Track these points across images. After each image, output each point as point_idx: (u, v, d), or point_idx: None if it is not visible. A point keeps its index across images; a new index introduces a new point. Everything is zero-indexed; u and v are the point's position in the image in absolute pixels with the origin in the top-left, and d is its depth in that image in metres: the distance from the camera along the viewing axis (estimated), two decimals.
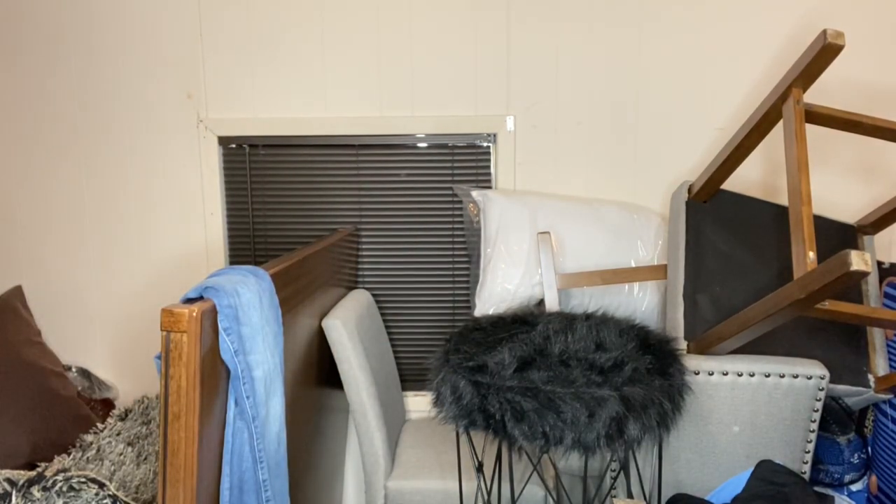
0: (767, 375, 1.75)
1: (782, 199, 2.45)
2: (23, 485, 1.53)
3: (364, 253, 2.55)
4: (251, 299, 1.41)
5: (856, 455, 1.98)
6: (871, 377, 1.92)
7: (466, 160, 2.48)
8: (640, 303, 2.28)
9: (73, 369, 2.52)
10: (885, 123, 1.80)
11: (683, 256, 2.00)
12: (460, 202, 2.51)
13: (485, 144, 2.47)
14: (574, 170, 2.46)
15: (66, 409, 2.22)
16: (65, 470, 1.58)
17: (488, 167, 2.48)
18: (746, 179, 2.45)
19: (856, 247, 2.11)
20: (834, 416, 1.99)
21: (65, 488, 1.53)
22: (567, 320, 1.93)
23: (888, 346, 1.98)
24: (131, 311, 2.57)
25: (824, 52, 1.65)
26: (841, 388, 1.89)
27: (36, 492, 1.52)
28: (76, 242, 2.54)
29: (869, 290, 2.05)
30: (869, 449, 2.02)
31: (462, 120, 2.43)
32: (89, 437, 2.13)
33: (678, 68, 2.40)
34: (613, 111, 2.43)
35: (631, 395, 1.48)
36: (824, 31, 1.63)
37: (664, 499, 1.83)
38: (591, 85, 2.42)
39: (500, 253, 2.26)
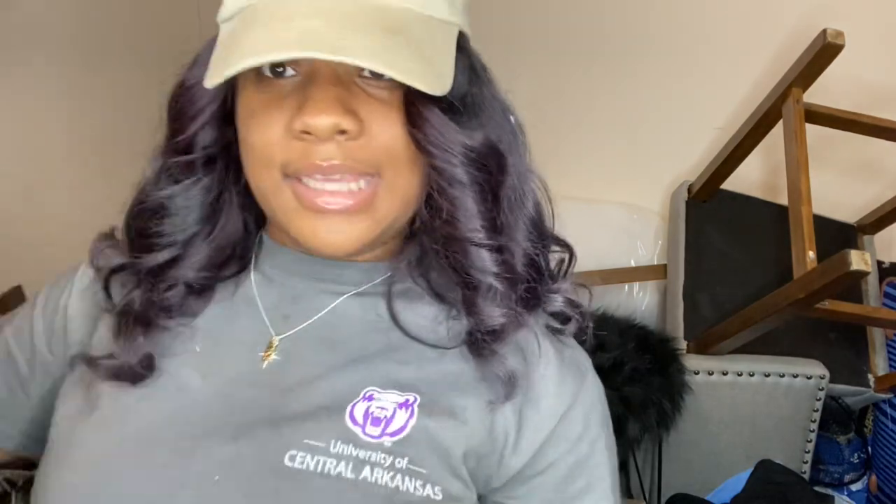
0: (767, 375, 1.75)
1: (782, 199, 2.44)
2: (23, 485, 1.53)
3: None
4: None
5: (856, 455, 1.98)
6: (871, 377, 1.92)
7: None
8: (640, 303, 2.28)
9: None
10: (886, 123, 1.80)
11: (683, 256, 2.00)
12: None
13: None
14: (574, 170, 2.45)
15: None
16: None
17: None
18: (746, 179, 2.44)
19: (856, 247, 2.12)
20: (834, 416, 1.99)
21: None
22: None
23: (888, 346, 1.98)
24: None
25: (824, 52, 1.66)
26: (841, 388, 1.89)
27: None
28: (76, 242, 2.54)
29: (869, 290, 2.05)
30: (869, 449, 2.02)
31: None
32: None
33: (677, 68, 2.39)
34: (613, 111, 2.42)
35: (630, 394, 1.48)
36: (824, 31, 1.63)
37: (664, 499, 1.83)
38: (591, 84, 2.41)
39: None
